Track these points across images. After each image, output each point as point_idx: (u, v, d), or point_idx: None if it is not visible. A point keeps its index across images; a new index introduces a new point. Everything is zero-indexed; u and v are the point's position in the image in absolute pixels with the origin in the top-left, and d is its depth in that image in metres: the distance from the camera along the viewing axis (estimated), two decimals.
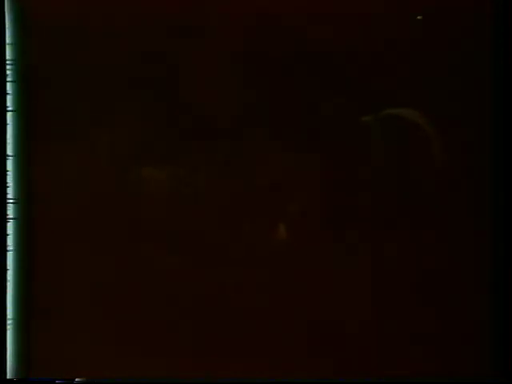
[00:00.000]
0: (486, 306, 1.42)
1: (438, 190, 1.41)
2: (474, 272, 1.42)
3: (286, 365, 1.43)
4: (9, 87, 1.45)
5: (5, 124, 1.45)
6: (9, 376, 1.45)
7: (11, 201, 1.45)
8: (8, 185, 1.45)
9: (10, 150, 1.45)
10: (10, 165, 1.45)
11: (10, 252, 1.45)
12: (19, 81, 1.45)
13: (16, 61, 1.45)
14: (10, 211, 1.45)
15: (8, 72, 1.45)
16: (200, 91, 1.44)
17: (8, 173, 1.45)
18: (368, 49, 1.41)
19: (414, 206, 1.42)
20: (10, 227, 1.45)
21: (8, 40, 1.45)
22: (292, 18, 1.42)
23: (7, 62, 1.45)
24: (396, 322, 1.43)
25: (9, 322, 1.45)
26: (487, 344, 1.42)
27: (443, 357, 1.42)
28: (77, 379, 1.44)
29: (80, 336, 1.45)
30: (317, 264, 1.42)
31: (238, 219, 1.43)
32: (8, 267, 1.45)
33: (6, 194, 1.45)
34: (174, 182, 1.44)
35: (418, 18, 1.40)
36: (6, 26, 1.45)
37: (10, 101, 1.45)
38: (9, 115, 1.45)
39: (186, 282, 1.44)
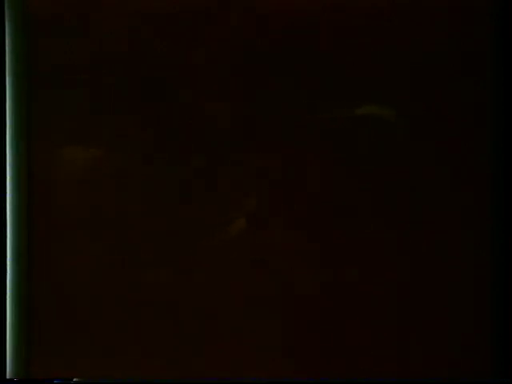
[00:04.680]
0: (486, 305, 1.42)
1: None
2: (473, 271, 1.42)
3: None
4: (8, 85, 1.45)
5: (4, 123, 1.45)
6: (8, 376, 1.45)
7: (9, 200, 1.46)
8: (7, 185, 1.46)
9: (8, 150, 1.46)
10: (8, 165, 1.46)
11: (10, 251, 1.46)
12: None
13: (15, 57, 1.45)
14: (8, 211, 1.45)
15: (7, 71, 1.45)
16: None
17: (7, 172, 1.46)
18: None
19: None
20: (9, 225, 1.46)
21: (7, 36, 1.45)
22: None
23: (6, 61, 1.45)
24: (395, 322, 1.43)
25: (8, 321, 1.45)
26: (487, 344, 1.42)
27: (443, 357, 1.43)
28: (75, 379, 1.44)
29: (80, 336, 1.45)
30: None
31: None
32: (7, 266, 1.45)
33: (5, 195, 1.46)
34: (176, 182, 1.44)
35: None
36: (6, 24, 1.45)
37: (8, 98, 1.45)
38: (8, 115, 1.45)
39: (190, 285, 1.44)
